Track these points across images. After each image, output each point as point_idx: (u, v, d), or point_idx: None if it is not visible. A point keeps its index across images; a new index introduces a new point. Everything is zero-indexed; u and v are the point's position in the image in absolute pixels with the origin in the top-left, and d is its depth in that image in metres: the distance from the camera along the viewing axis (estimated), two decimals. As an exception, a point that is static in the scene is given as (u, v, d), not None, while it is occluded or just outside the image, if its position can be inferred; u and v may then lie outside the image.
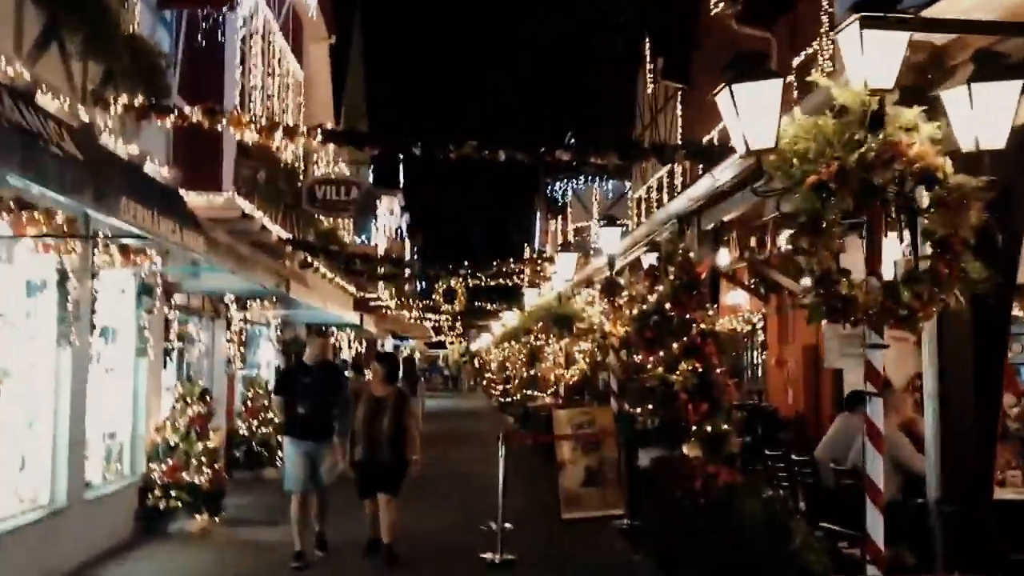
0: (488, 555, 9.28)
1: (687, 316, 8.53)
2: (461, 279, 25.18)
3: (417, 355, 58.22)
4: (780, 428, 12.57)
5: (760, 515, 5.37)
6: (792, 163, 4.05)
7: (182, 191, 11.84)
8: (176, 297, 11.81)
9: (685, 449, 8.37)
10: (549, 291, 18.59)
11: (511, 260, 15.16)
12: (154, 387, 10.74)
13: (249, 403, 14.96)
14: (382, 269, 19.59)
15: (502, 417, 30.23)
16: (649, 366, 8.65)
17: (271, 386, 17.71)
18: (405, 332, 33.80)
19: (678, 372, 8.38)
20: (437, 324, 52.89)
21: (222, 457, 13.71)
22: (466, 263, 15.16)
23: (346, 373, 14.66)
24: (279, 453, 14.82)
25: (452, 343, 68.54)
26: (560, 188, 30.82)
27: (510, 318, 25.94)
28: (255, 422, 14.79)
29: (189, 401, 10.47)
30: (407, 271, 14.83)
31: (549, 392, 20.18)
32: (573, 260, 12.16)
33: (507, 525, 10.11)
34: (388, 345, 43.92)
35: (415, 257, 39.85)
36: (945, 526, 4.97)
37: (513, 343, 30.42)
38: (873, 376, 4.31)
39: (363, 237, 27.98)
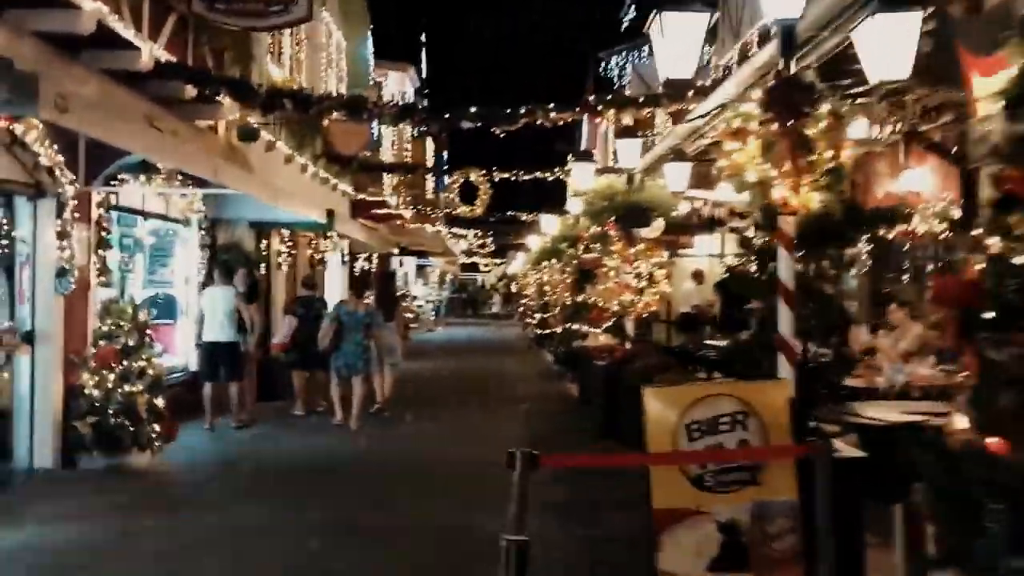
0: None
1: None
2: (484, 174, 18.70)
3: (449, 276, 52.20)
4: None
5: None
6: None
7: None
8: None
9: None
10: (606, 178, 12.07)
11: (550, 107, 8.62)
12: None
13: (104, 343, 8.79)
14: (374, 128, 13.07)
15: (539, 355, 24.01)
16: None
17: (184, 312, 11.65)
18: (420, 247, 27.47)
19: None
20: (470, 247, 46.53)
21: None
22: (473, 109, 8.68)
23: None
24: (154, 428, 8.79)
25: (487, 266, 62.27)
26: (616, 64, 23.77)
27: (549, 224, 19.47)
28: (112, 375, 8.67)
29: None
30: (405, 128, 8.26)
31: (604, 327, 13.82)
32: (700, 25, 5.47)
33: None
34: (408, 267, 37.76)
35: (440, 159, 33.17)
36: None
37: (553, 261, 24.04)
38: None
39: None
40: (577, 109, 8.86)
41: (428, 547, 6.43)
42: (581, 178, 10.87)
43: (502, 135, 9.11)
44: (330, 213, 13.34)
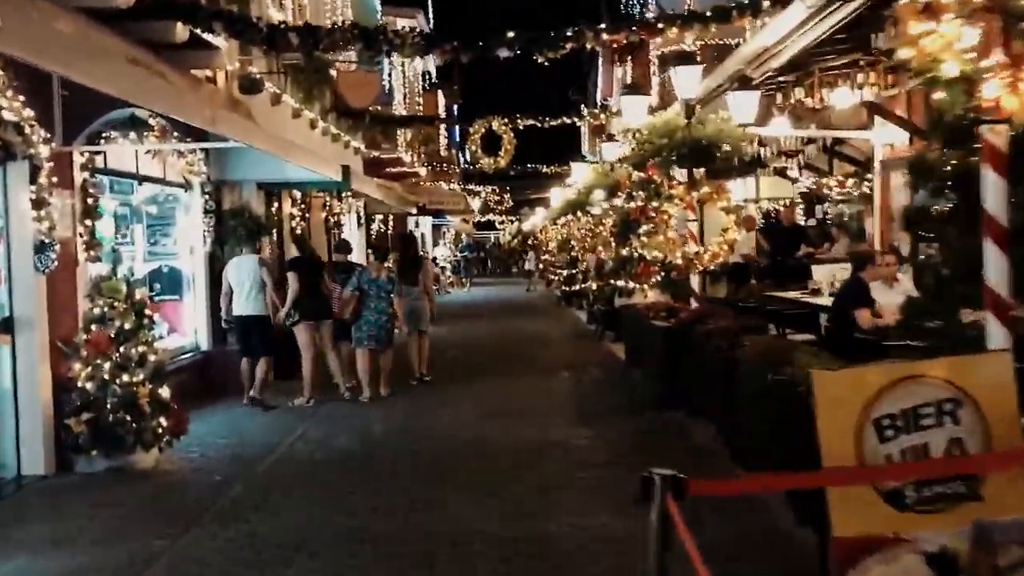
0: None
1: None
2: (506, 122, 17.34)
3: (464, 236, 50.89)
4: None
5: None
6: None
7: None
8: None
9: None
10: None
11: (601, 27, 7.25)
12: None
13: (96, 328, 7.57)
14: (385, 79, 11.75)
15: (568, 314, 22.77)
16: None
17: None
18: (438, 205, 26.22)
19: None
20: (485, 201, 45.01)
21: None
22: (511, 35, 7.34)
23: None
24: (160, 422, 7.64)
25: (503, 223, 60.84)
26: (638, -1, 22.10)
27: (580, 172, 18.12)
28: (107, 364, 7.46)
29: None
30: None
31: (652, 283, 12.54)
32: None
33: None
34: (424, 227, 36.41)
35: (451, 112, 31.63)
36: None
37: (579, 215, 22.70)
38: None
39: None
40: (633, 28, 7.50)
41: None
42: (632, 114, 9.51)
43: (542, 61, 7.71)
44: (346, 170, 12.05)
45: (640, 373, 11.45)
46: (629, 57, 31.86)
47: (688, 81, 8.93)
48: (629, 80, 30.76)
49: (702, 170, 10.44)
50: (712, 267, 9.28)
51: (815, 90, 10.01)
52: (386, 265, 11.23)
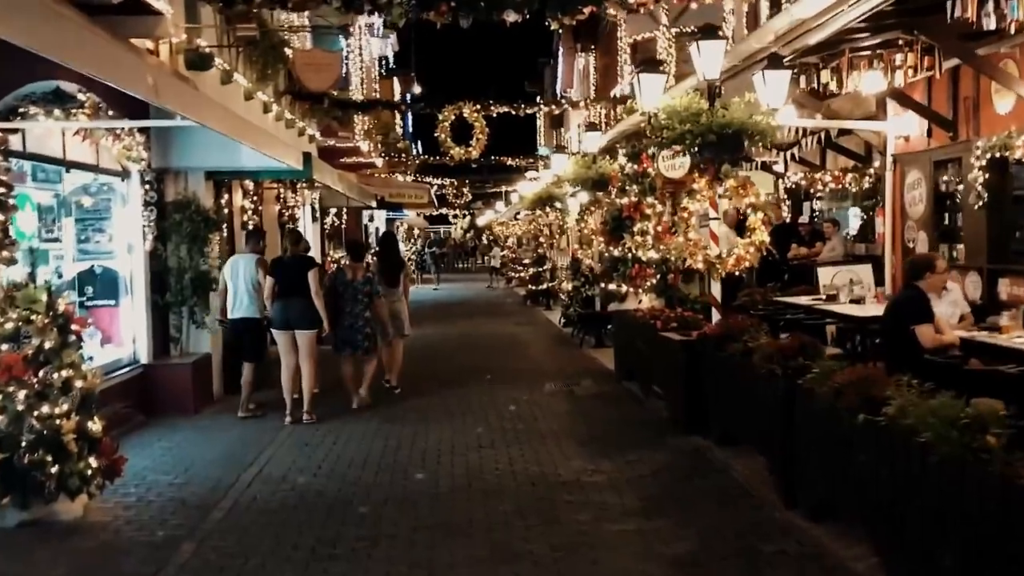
0: None
1: None
2: (476, 106, 16.03)
3: (416, 231, 49.32)
4: None
5: None
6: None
7: None
8: None
9: None
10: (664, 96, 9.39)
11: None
12: None
13: (8, 347, 6.10)
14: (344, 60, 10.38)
15: (536, 314, 21.55)
16: None
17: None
18: (399, 198, 24.83)
19: None
20: (441, 192, 43.44)
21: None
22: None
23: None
24: (90, 462, 6.23)
25: (456, 216, 59.41)
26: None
27: (559, 163, 16.88)
28: (23, 393, 6.00)
29: None
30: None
31: (645, 287, 11.42)
32: None
33: None
34: (379, 221, 34.92)
35: (405, 101, 30.19)
36: None
37: (547, 211, 21.49)
38: None
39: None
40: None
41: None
42: (649, 93, 8.29)
43: (501, 45, 6.50)
44: (307, 157, 10.68)
45: (640, 387, 10.29)
46: (593, 46, 30.69)
47: (712, 59, 7.74)
48: (593, 72, 29.63)
49: (685, 163, 9.30)
50: (737, 272, 8.11)
51: (844, 73, 8.91)
52: (363, 266, 10.07)
